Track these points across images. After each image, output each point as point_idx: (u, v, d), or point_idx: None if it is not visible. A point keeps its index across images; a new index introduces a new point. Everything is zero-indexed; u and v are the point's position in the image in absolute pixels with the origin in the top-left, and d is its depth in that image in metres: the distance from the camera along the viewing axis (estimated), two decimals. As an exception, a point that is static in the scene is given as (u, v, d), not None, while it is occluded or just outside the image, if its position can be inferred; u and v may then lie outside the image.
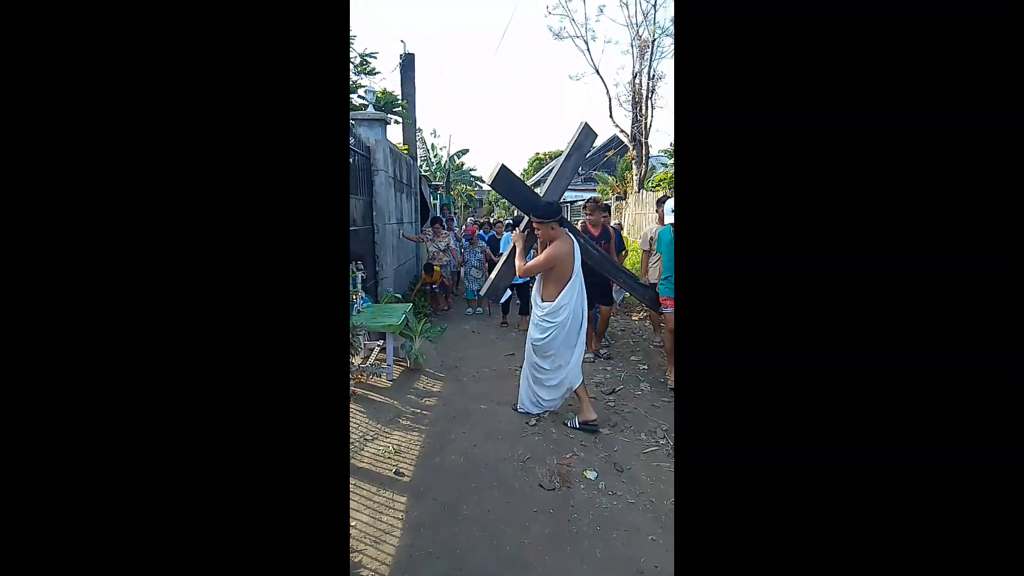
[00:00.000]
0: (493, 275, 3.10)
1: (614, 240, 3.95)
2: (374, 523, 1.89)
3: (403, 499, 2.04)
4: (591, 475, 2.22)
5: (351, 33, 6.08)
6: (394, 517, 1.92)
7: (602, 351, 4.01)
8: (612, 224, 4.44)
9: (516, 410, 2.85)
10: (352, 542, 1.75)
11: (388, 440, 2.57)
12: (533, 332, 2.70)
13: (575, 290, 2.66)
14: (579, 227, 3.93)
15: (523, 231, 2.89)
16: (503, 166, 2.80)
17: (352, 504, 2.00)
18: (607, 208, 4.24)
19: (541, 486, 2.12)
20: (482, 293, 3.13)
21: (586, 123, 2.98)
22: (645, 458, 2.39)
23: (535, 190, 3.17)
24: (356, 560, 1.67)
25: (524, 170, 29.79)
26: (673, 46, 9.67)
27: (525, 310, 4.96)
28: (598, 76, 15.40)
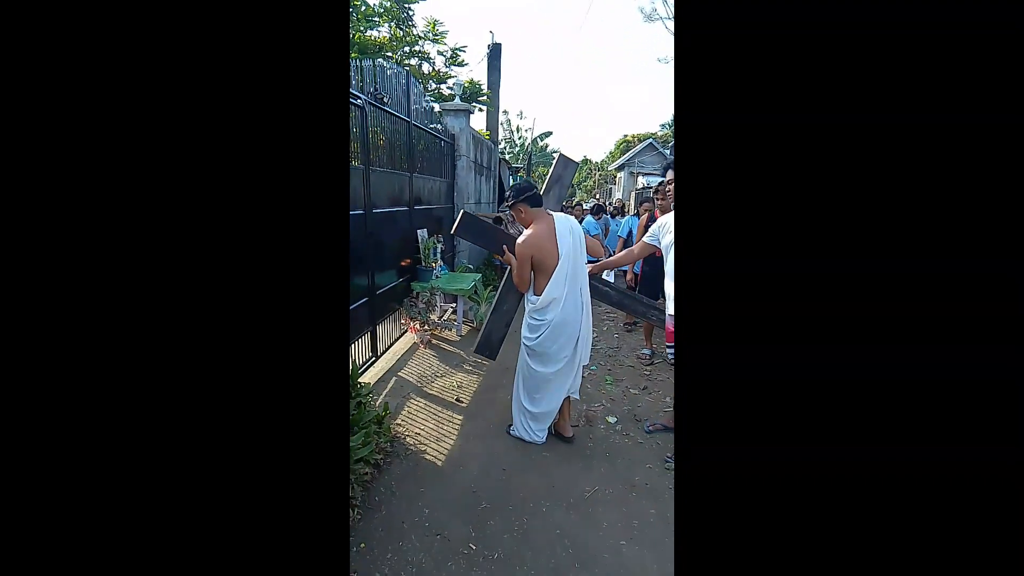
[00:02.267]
0: (484, 326, 2.63)
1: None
2: (436, 429, 2.51)
3: (460, 417, 2.64)
4: (612, 419, 2.66)
5: (443, 28, 6.72)
6: (452, 428, 2.53)
7: (646, 351, 3.70)
8: None
9: (509, 432, 2.44)
10: (418, 441, 2.38)
11: (452, 378, 3.19)
12: (525, 332, 2.32)
13: (563, 282, 2.18)
14: (642, 219, 3.69)
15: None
16: (464, 212, 2.57)
17: (421, 416, 2.65)
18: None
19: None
20: (474, 350, 2.64)
21: (562, 154, 2.74)
22: (664, 415, 2.77)
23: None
24: (422, 451, 2.29)
25: (611, 152, 29.31)
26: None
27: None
28: (690, 57, 14.67)
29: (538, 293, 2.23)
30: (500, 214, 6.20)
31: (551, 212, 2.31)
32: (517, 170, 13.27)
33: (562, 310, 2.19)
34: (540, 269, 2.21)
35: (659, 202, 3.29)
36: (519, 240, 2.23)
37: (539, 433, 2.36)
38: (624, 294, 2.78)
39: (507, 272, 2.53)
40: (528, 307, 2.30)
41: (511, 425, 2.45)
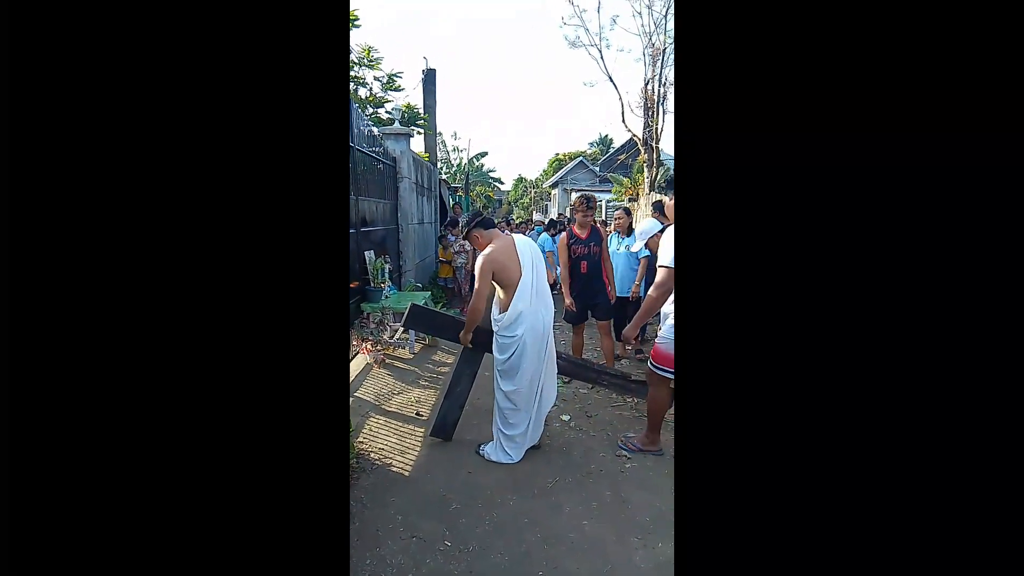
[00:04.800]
0: (439, 409, 2.57)
1: (606, 241, 3.57)
2: (400, 443, 2.57)
3: (421, 430, 2.72)
4: (566, 417, 2.86)
5: (378, 54, 6.85)
6: (415, 440, 2.60)
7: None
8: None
9: (479, 452, 2.40)
10: (382, 456, 2.43)
11: (410, 394, 3.25)
12: (496, 354, 2.32)
13: (528, 293, 2.22)
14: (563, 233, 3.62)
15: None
16: (412, 305, 2.58)
17: (383, 432, 2.70)
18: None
19: (526, 424, 2.77)
20: (431, 433, 2.55)
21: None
22: (612, 409, 3.01)
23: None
24: (388, 463, 2.35)
25: (544, 170, 30.39)
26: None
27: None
28: (611, 83, 15.89)
29: (504, 310, 2.25)
30: (443, 234, 6.32)
31: (509, 233, 2.43)
32: (456, 189, 13.48)
33: (531, 324, 2.21)
34: (504, 283, 2.24)
35: (579, 217, 3.34)
36: (481, 256, 2.25)
37: (513, 453, 2.34)
38: (575, 362, 2.81)
39: (459, 355, 2.53)
40: (496, 328, 2.30)
41: (481, 444, 2.45)
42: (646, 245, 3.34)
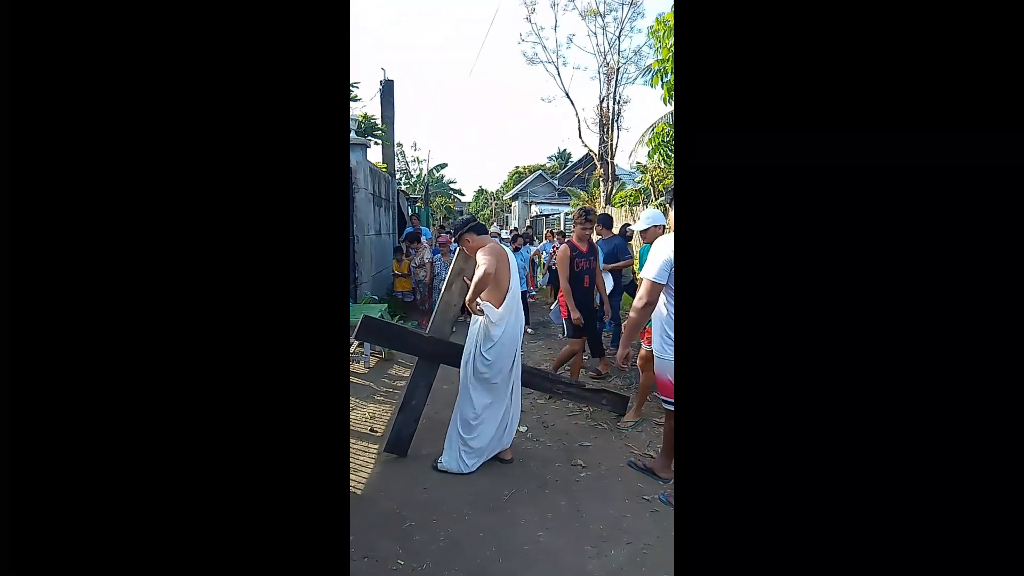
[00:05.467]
0: (392, 424, 2.49)
1: (599, 255, 3.55)
2: (352, 460, 2.49)
3: (375, 447, 2.65)
4: (523, 428, 2.87)
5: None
6: (369, 457, 2.53)
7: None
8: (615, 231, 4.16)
9: (436, 468, 2.36)
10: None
11: (365, 410, 3.17)
12: (482, 345, 2.32)
13: (513, 307, 2.34)
14: (559, 243, 3.73)
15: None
16: (364, 317, 2.47)
17: (336, 449, 2.61)
18: (608, 220, 4.00)
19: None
20: (384, 449, 2.51)
21: None
22: (568, 419, 3.05)
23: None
24: (340, 482, 2.28)
25: (504, 182, 30.71)
26: (638, 72, 10.60)
27: None
28: (568, 99, 16.38)
29: (497, 305, 2.31)
30: (401, 244, 6.21)
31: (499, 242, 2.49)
32: (415, 201, 13.37)
33: (509, 329, 2.31)
34: (497, 285, 2.31)
35: (579, 229, 3.30)
36: (484, 249, 2.27)
37: (470, 462, 2.34)
38: (531, 372, 2.79)
39: (414, 367, 2.51)
40: (491, 318, 2.30)
41: (438, 459, 2.40)
42: (642, 234, 2.98)
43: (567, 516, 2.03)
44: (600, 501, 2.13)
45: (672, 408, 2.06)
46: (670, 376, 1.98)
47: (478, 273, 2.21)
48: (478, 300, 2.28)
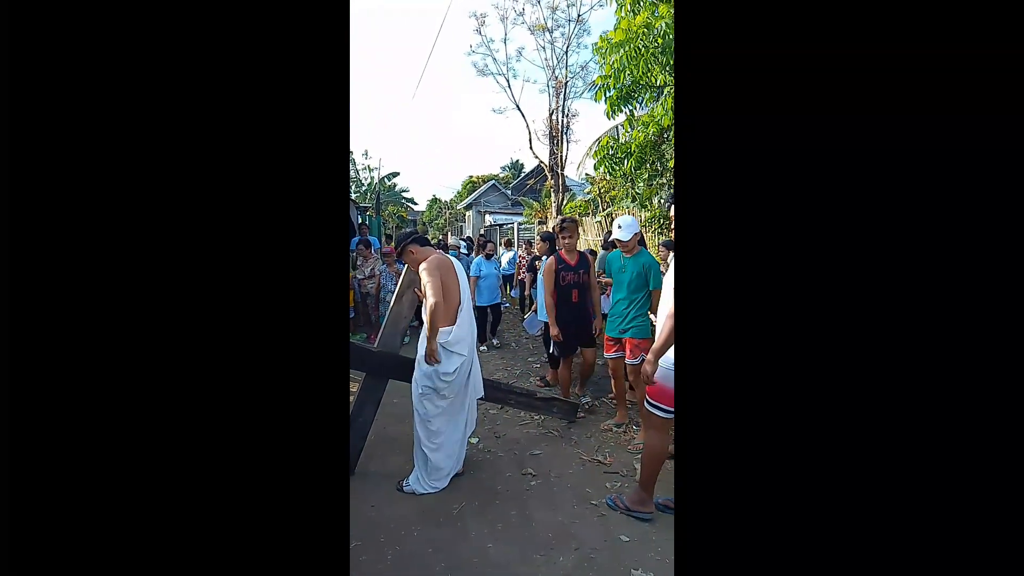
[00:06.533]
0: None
1: (593, 267, 3.34)
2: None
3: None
4: (474, 440, 2.86)
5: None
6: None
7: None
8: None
9: (402, 490, 2.29)
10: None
11: (310, 427, 3.05)
12: (439, 369, 2.20)
13: (467, 320, 2.27)
14: (527, 252, 3.56)
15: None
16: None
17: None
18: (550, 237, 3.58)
19: (434, 450, 2.73)
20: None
21: None
22: (520, 427, 3.08)
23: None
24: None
25: (458, 192, 30.65)
26: (584, 87, 10.94)
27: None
28: (519, 111, 16.60)
29: (448, 324, 2.19)
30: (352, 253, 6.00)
31: (443, 254, 2.39)
32: (366, 209, 13.07)
33: (469, 348, 2.26)
34: (448, 303, 2.19)
35: (565, 240, 3.15)
36: (427, 263, 2.18)
37: (436, 484, 2.28)
38: (489, 384, 2.74)
39: (362, 382, 2.43)
40: (451, 346, 2.20)
41: (403, 480, 2.33)
42: (623, 244, 2.80)
43: (517, 525, 2.05)
44: (549, 508, 2.16)
45: (664, 415, 1.93)
46: (671, 384, 1.85)
47: (428, 304, 2.13)
48: (436, 342, 2.15)
